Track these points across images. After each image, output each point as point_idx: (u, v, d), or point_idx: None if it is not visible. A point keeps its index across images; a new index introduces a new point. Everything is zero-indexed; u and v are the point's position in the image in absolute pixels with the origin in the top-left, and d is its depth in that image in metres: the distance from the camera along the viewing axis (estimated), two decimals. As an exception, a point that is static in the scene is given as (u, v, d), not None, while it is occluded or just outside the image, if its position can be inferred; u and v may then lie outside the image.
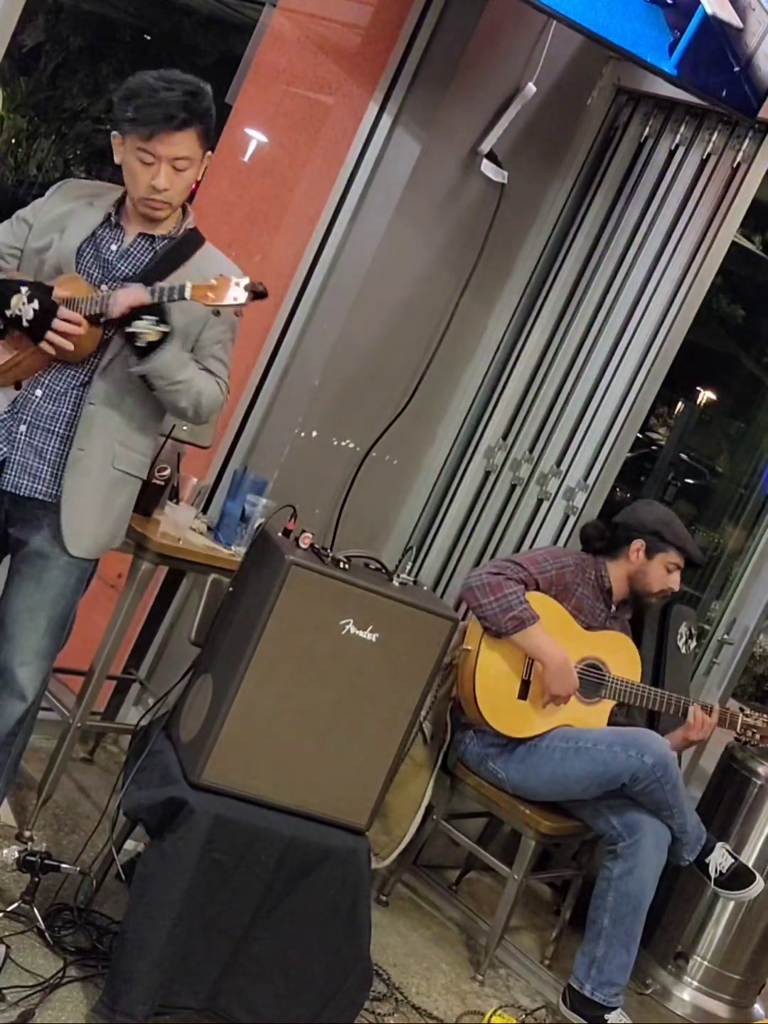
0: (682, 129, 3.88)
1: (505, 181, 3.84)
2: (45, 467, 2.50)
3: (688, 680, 4.05)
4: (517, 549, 4.01)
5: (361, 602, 2.50)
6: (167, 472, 3.17)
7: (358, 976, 2.60)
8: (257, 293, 2.35)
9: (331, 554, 2.52)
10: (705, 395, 10.19)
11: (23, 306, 2.37)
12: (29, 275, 2.49)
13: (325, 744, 2.54)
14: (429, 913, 3.60)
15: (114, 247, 2.50)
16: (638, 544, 3.47)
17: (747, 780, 3.67)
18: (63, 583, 2.54)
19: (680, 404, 10.28)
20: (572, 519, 3.90)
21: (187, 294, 2.34)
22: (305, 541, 2.53)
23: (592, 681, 3.39)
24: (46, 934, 2.58)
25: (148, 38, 11.36)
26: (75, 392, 2.50)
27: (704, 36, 3.24)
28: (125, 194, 2.52)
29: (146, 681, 3.65)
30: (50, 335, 2.39)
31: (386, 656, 2.53)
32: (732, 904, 3.63)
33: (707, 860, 3.30)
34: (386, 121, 3.61)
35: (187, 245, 2.54)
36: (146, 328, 2.36)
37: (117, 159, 2.46)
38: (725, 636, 4.33)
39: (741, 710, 3.46)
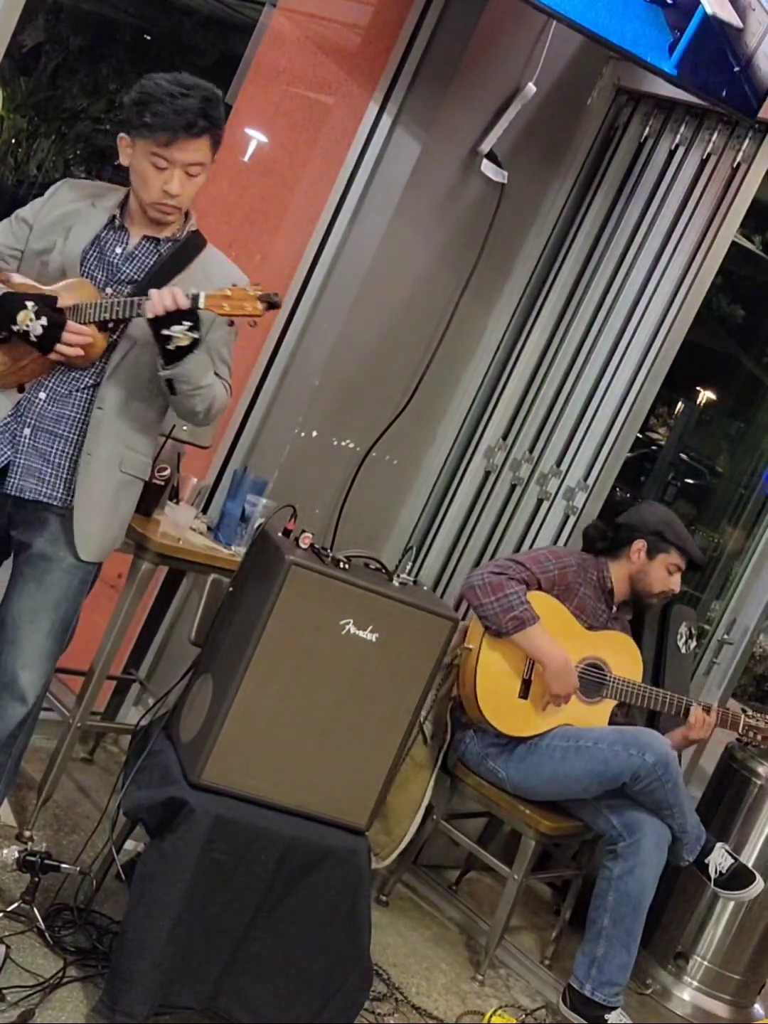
0: (682, 129, 3.88)
1: (505, 181, 3.85)
2: (50, 470, 2.49)
3: (688, 680, 4.05)
4: (517, 549, 4.01)
5: (361, 602, 2.50)
6: (167, 472, 3.17)
7: (358, 976, 2.60)
8: (272, 304, 2.34)
9: (331, 554, 2.52)
10: (705, 395, 10.20)
11: (31, 323, 2.36)
12: (31, 276, 2.47)
13: (325, 744, 2.54)
14: (429, 913, 3.60)
15: (119, 250, 2.49)
16: (639, 544, 3.47)
17: (747, 780, 3.68)
18: (66, 585, 2.54)
19: (680, 404, 10.29)
20: (572, 519, 3.90)
21: (201, 303, 2.32)
22: (305, 541, 2.53)
23: (593, 681, 3.39)
24: (46, 934, 2.57)
25: (148, 38, 11.36)
26: (80, 395, 2.49)
27: (704, 36, 3.24)
28: (127, 195, 2.51)
29: (146, 681, 3.65)
30: (59, 347, 2.38)
31: (386, 656, 2.53)
32: (732, 904, 3.63)
33: (707, 860, 3.30)
34: (386, 121, 3.61)
35: (190, 248, 2.53)
36: (181, 333, 2.34)
37: (124, 161, 2.45)
38: (725, 636, 4.34)
39: (743, 711, 3.47)
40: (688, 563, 3.51)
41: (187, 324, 2.34)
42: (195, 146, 2.39)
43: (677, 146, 3.89)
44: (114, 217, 2.50)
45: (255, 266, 3.76)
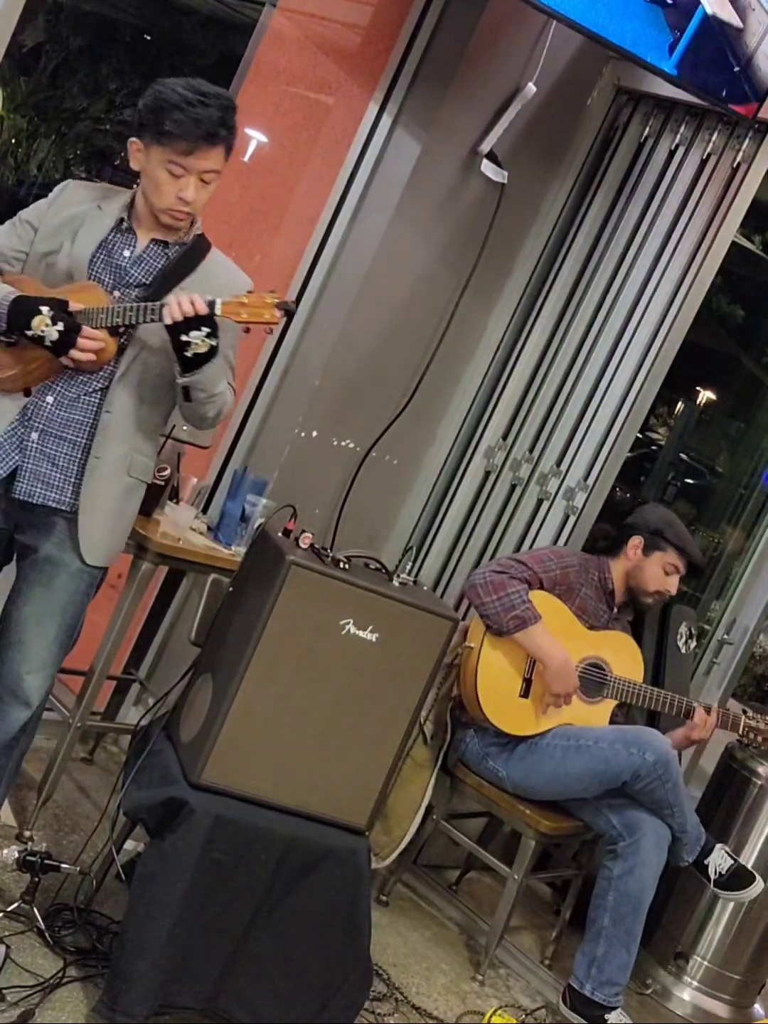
0: (682, 129, 3.88)
1: (505, 181, 3.85)
2: (58, 475, 2.47)
3: (688, 680, 4.05)
4: (517, 549, 4.00)
5: (361, 602, 2.50)
6: (167, 472, 3.17)
7: (358, 976, 2.60)
8: (288, 312, 2.34)
9: (331, 554, 2.52)
10: (705, 395, 10.20)
11: (47, 328, 2.34)
12: (37, 278, 2.46)
13: (325, 744, 2.54)
14: (429, 913, 3.60)
15: (127, 253, 2.47)
16: (636, 540, 3.48)
17: (747, 780, 3.68)
18: (72, 589, 2.52)
19: (680, 404, 10.29)
20: (572, 519, 3.90)
21: (218, 310, 2.31)
22: (305, 541, 2.53)
23: (594, 681, 3.39)
24: (46, 934, 2.58)
25: (148, 38, 11.38)
26: (88, 398, 2.47)
27: (704, 36, 3.25)
28: (133, 197, 2.49)
29: (146, 681, 3.65)
30: (73, 352, 2.37)
31: (386, 656, 2.53)
32: (732, 904, 3.63)
33: (706, 861, 3.30)
34: (386, 121, 3.61)
35: (196, 251, 2.52)
36: (199, 339, 2.33)
37: (135, 166, 2.43)
38: (725, 636, 4.34)
39: (744, 712, 3.47)
40: (688, 566, 3.51)
41: (205, 330, 2.32)
42: (213, 154, 2.39)
43: (677, 146, 3.89)
44: (122, 220, 2.48)
45: (255, 266, 3.76)
